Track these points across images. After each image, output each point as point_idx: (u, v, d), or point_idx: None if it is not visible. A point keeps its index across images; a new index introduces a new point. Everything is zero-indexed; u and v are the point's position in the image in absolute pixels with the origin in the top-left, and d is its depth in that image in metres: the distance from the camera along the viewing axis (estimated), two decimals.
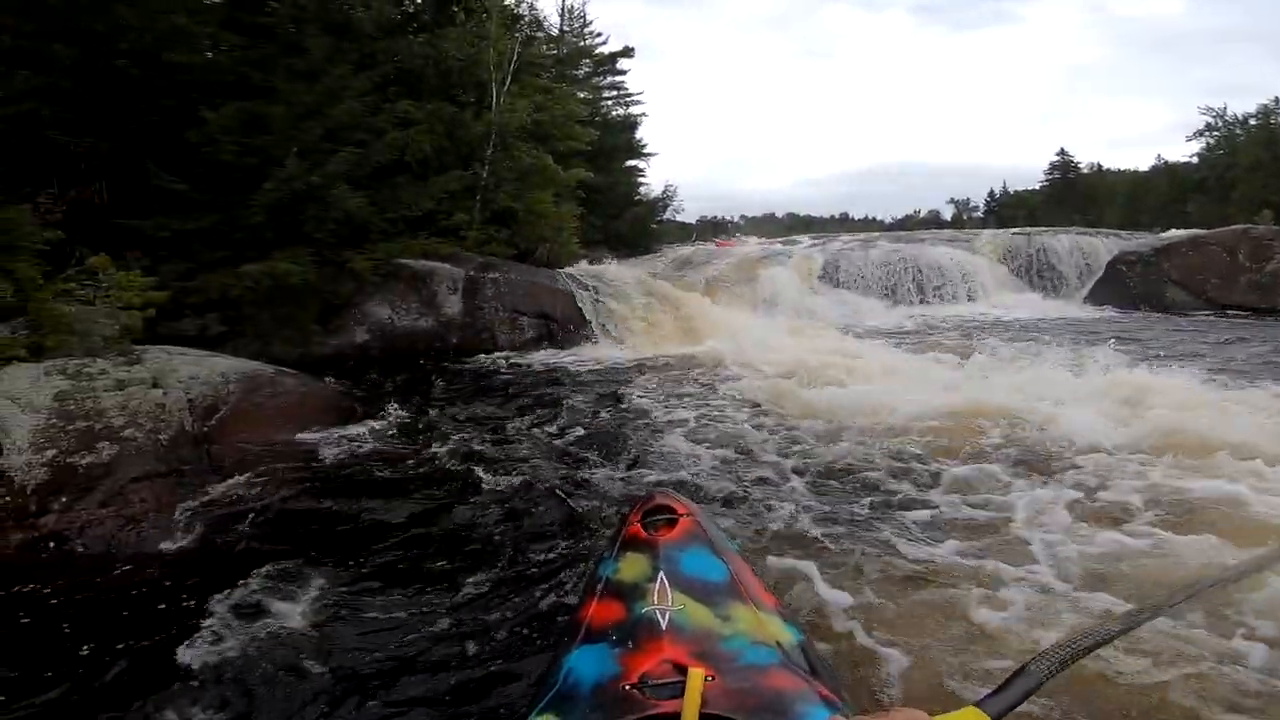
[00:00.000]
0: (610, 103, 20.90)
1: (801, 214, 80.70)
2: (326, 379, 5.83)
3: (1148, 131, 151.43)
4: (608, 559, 1.81)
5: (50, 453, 3.10)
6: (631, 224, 18.96)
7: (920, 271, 15.79)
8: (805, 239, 22.33)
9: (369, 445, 4.19)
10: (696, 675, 1.15)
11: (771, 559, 2.58)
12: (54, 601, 2.52)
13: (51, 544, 2.86)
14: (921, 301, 15.15)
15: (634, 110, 21.42)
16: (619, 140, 19.40)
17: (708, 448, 4.18)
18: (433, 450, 4.14)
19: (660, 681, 1.21)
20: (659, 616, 1.42)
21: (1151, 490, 3.19)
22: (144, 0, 7.44)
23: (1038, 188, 58.45)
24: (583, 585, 1.93)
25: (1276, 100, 36.00)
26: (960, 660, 1.99)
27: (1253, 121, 37.47)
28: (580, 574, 2.51)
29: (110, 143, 8.33)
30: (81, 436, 3.21)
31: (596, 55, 20.60)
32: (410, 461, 3.95)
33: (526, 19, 14.27)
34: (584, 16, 20.73)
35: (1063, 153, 57.67)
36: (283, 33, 9.14)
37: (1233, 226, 16.32)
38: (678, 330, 9.53)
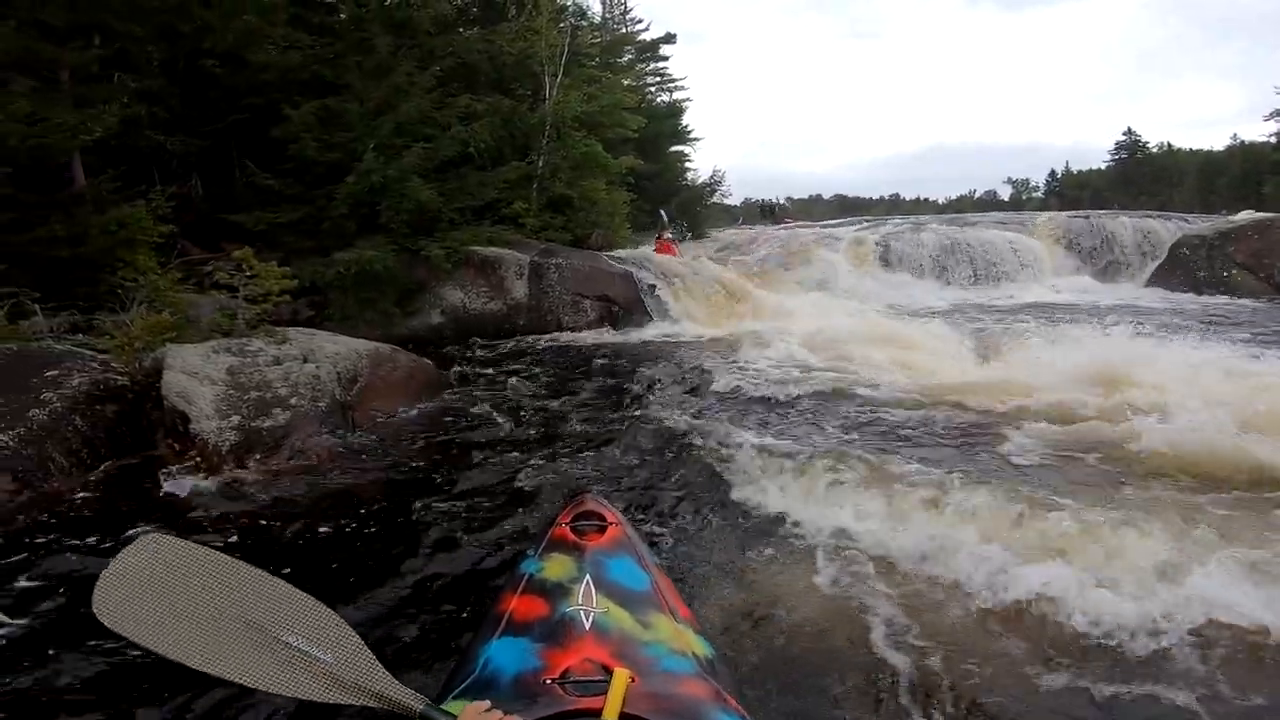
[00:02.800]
0: (654, 89, 21.15)
1: (850, 195, 79.25)
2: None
3: (1222, 113, 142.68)
4: (532, 557, 1.85)
5: (235, 418, 3.74)
6: (680, 209, 19.26)
7: (973, 253, 15.65)
8: (857, 222, 22.22)
9: (459, 419, 4.76)
10: (621, 675, 1.17)
11: (687, 573, 2.71)
12: (271, 534, 3.09)
13: (252, 490, 3.47)
14: (976, 284, 15.03)
15: (678, 96, 21.63)
16: (665, 127, 19.64)
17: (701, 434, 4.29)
18: (499, 426, 4.60)
19: (583, 679, 1.24)
20: (583, 616, 1.47)
21: None
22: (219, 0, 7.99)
23: (1103, 167, 56.07)
24: (504, 580, 1.97)
25: None
26: (861, 686, 2.08)
27: None
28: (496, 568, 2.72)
29: (203, 141, 9.12)
30: (257, 404, 3.85)
31: (639, 42, 20.83)
32: (481, 434, 4.43)
33: (570, 8, 14.62)
34: (624, 3, 20.97)
35: (1130, 132, 55.09)
36: (348, 31, 9.77)
37: None
38: (730, 311, 9.90)
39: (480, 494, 3.49)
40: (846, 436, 4.17)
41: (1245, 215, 16.92)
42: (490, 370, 6.78)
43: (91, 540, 3.00)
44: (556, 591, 1.60)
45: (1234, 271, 14.01)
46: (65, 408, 3.81)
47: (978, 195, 74.30)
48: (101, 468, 3.85)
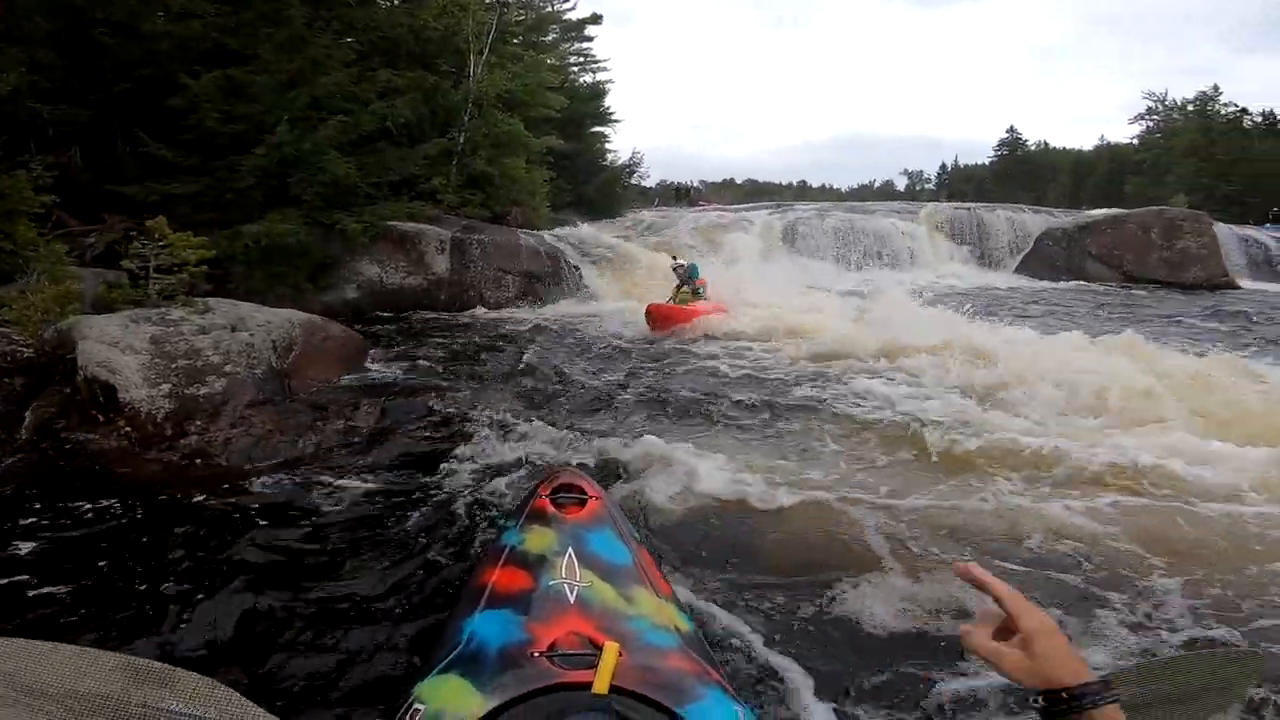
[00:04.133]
0: (578, 70, 21.16)
1: (761, 181, 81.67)
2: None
3: (1101, 111, 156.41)
4: (512, 529, 1.85)
5: (165, 386, 3.75)
6: (599, 189, 19.49)
7: (869, 240, 16.90)
8: (767, 207, 23.19)
9: (396, 388, 4.91)
10: (611, 649, 1.18)
11: (666, 548, 2.74)
12: (213, 503, 3.05)
13: (199, 460, 3.48)
14: (869, 267, 16.25)
15: (601, 77, 21.75)
16: (587, 108, 19.77)
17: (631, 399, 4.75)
18: (437, 395, 4.74)
19: (570, 652, 1.25)
20: (567, 590, 1.47)
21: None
22: None
23: (987, 163, 60.67)
24: (484, 552, 1.96)
25: (1215, 88, 38.49)
26: (834, 664, 2.11)
27: (1190, 107, 39.80)
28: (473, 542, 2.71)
29: (86, 111, 8.53)
30: (187, 372, 3.86)
31: (564, 21, 20.75)
32: (420, 402, 4.55)
33: None
34: None
35: (1012, 130, 59.91)
36: (259, 1, 9.33)
37: (1150, 207, 17.86)
38: (647, 288, 10.37)
39: (433, 461, 3.59)
40: (758, 396, 4.72)
41: (1101, 211, 19.11)
42: (417, 342, 6.91)
43: (12, 515, 2.93)
44: (539, 564, 1.60)
45: (1089, 261, 15.91)
46: None
47: (877, 185, 78.63)
48: (17, 441, 3.79)
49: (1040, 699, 0.67)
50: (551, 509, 1.88)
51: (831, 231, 17.06)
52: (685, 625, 1.56)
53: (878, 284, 13.52)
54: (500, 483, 3.25)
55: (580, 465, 3.33)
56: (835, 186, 79.27)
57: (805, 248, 16.54)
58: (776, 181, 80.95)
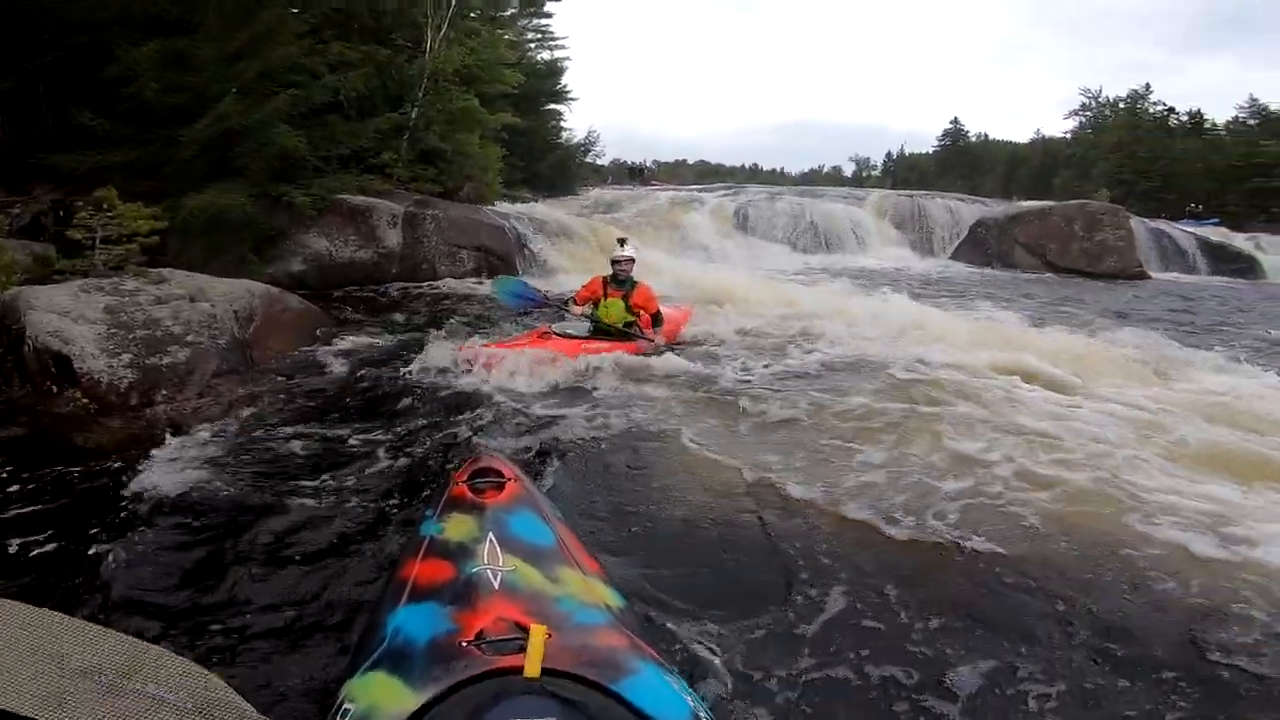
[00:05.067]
0: (535, 46, 20.93)
1: (713, 163, 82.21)
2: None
3: (1043, 106, 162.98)
4: (430, 519, 1.82)
5: (126, 357, 3.74)
6: (553, 166, 19.44)
7: (818, 224, 17.46)
8: (719, 188, 23.56)
9: (355, 359, 4.92)
10: (539, 632, 1.17)
11: (593, 525, 2.70)
12: (184, 470, 2.99)
13: (169, 430, 3.38)
14: (818, 250, 16.81)
15: (559, 55, 21.56)
16: (543, 85, 19.62)
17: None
18: (395, 368, 4.68)
19: (498, 638, 1.24)
20: (490, 576, 1.46)
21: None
22: None
23: (931, 152, 62.72)
24: (404, 544, 1.92)
25: (1147, 87, 40.68)
26: (761, 633, 2.10)
27: (1121, 105, 41.94)
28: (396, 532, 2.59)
29: (9, 81, 8.08)
30: (147, 342, 3.85)
31: None
32: (378, 374, 4.51)
33: None
34: None
35: (956, 121, 62.15)
36: None
37: (1073, 201, 18.98)
38: (602, 264, 10.57)
39: (394, 436, 3.52)
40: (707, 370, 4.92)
41: (1030, 203, 20.21)
42: (372, 315, 6.93)
43: None
44: (460, 552, 1.59)
45: (1016, 249, 16.87)
46: None
47: (826, 170, 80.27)
48: None
49: None
50: (470, 495, 1.86)
51: (783, 215, 17.55)
52: (616, 601, 1.57)
53: (828, 268, 14.08)
54: (437, 462, 3.20)
55: (498, 449, 3.23)
56: (786, 171, 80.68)
57: (758, 230, 16.99)
58: (729, 164, 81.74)
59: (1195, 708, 1.88)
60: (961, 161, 56.39)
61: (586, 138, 23.39)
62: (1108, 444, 3.55)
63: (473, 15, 14.52)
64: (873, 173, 69.91)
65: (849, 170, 76.05)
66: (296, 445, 3.39)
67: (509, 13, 19.35)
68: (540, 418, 3.84)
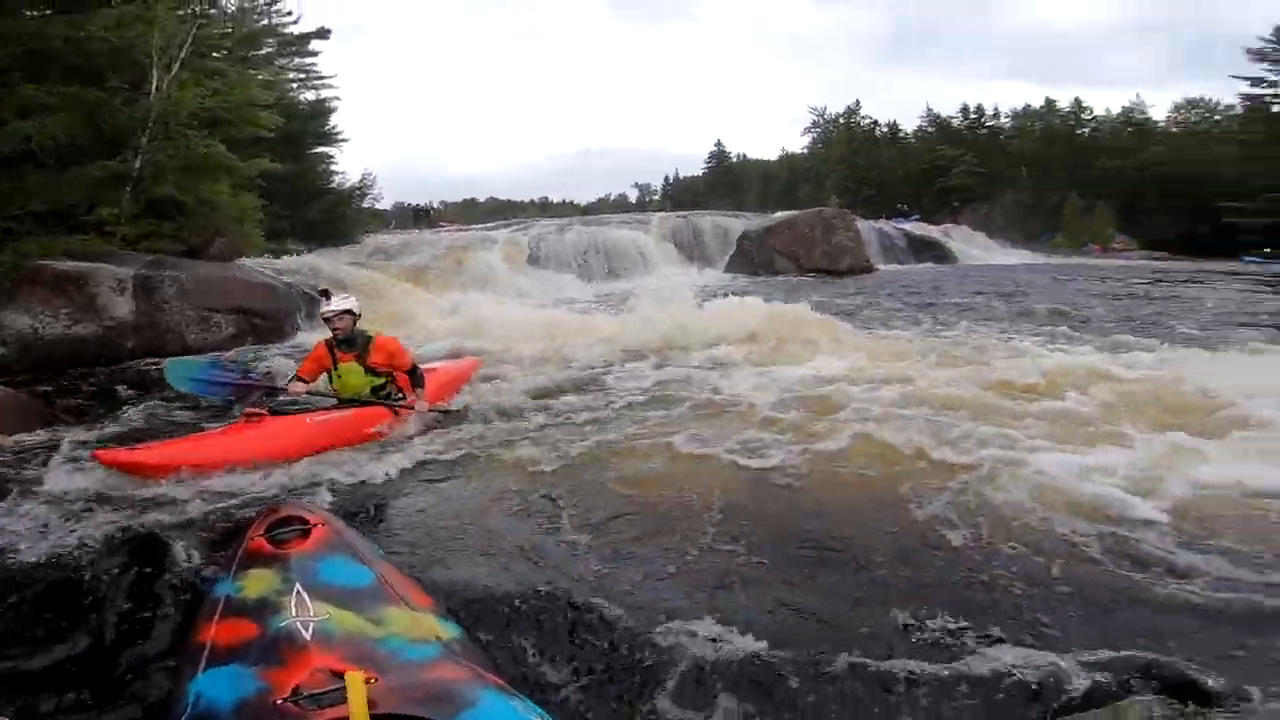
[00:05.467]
0: (298, 86, 19.50)
1: (503, 198, 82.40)
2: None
3: (787, 124, 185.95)
4: (225, 578, 1.74)
5: None
6: (323, 213, 18.10)
7: (607, 251, 18.36)
8: (510, 224, 23.70)
9: (79, 445, 4.18)
10: (355, 678, 1.14)
11: (421, 557, 2.63)
12: None
13: None
14: (609, 277, 17.64)
15: (326, 94, 20.29)
16: (309, 126, 18.32)
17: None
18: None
19: (316, 691, 1.19)
20: (301, 628, 1.40)
21: None
22: None
23: (700, 174, 68.83)
24: (198, 608, 1.80)
25: (857, 103, 48.48)
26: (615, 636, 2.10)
27: (841, 120, 49.41)
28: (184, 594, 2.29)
29: None
30: None
31: (284, 35, 19.01)
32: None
33: None
34: None
35: (719, 143, 68.97)
36: None
37: (812, 209, 22.10)
38: (387, 316, 10.10)
39: (145, 514, 3.11)
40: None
41: (781, 214, 23.11)
42: (104, 398, 5.94)
43: None
44: (263, 609, 1.52)
45: (776, 257, 19.19)
46: None
47: (613, 198, 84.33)
48: None
49: None
50: (269, 547, 1.80)
51: (572, 245, 18.17)
52: (450, 633, 1.54)
53: (617, 292, 14.79)
54: (216, 528, 2.86)
55: (302, 496, 3.04)
56: (575, 201, 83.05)
57: (551, 263, 17.37)
58: (519, 199, 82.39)
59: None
60: (726, 181, 62.32)
61: (362, 180, 22.15)
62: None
63: (217, 55, 13.22)
64: (654, 197, 74.73)
65: (634, 196, 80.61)
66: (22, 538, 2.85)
67: (264, 52, 17.87)
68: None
